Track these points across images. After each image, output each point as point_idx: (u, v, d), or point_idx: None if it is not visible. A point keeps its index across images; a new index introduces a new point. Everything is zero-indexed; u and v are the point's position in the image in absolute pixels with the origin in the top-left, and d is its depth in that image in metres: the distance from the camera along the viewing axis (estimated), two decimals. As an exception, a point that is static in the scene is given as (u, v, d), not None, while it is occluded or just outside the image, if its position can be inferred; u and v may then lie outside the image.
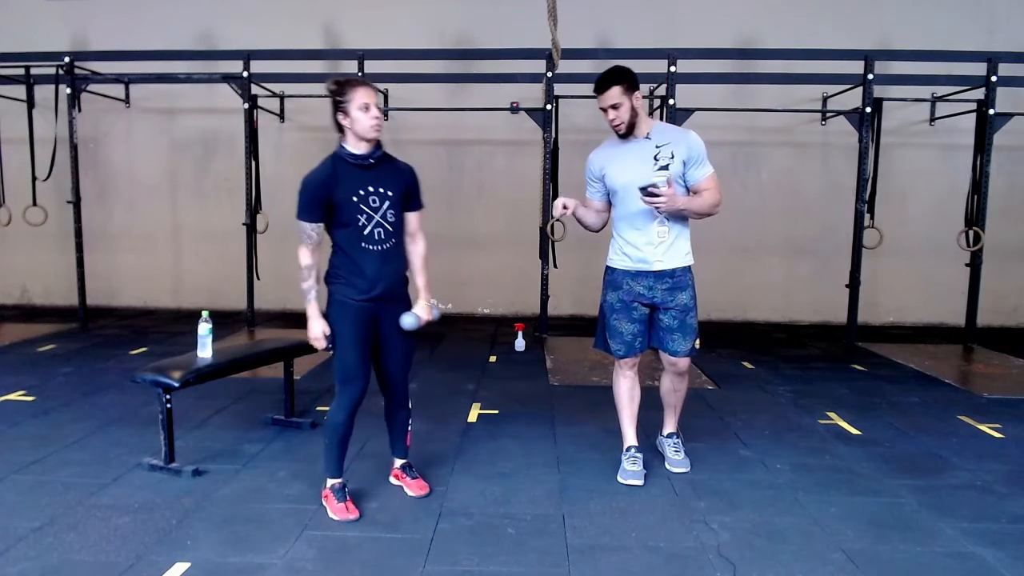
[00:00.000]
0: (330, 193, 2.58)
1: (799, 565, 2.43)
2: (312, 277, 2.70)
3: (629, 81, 2.95)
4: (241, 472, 3.18)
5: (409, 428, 3.03)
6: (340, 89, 2.61)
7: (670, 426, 3.37)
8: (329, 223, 2.65)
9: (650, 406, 3.42)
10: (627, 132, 3.00)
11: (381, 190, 2.65)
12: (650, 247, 3.03)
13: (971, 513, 2.86)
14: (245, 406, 4.17)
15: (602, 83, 2.95)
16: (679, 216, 3.02)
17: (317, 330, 2.71)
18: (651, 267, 3.04)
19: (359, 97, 2.59)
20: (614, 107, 2.95)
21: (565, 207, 3.00)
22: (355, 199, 2.60)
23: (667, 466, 3.27)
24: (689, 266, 3.10)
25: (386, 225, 2.66)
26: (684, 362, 3.16)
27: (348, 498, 2.78)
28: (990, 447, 3.68)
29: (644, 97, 6.88)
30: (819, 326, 7.62)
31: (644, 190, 2.88)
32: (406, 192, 2.74)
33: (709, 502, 2.93)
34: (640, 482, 3.09)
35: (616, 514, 2.81)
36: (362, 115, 2.59)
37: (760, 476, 3.23)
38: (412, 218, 2.81)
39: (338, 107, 2.60)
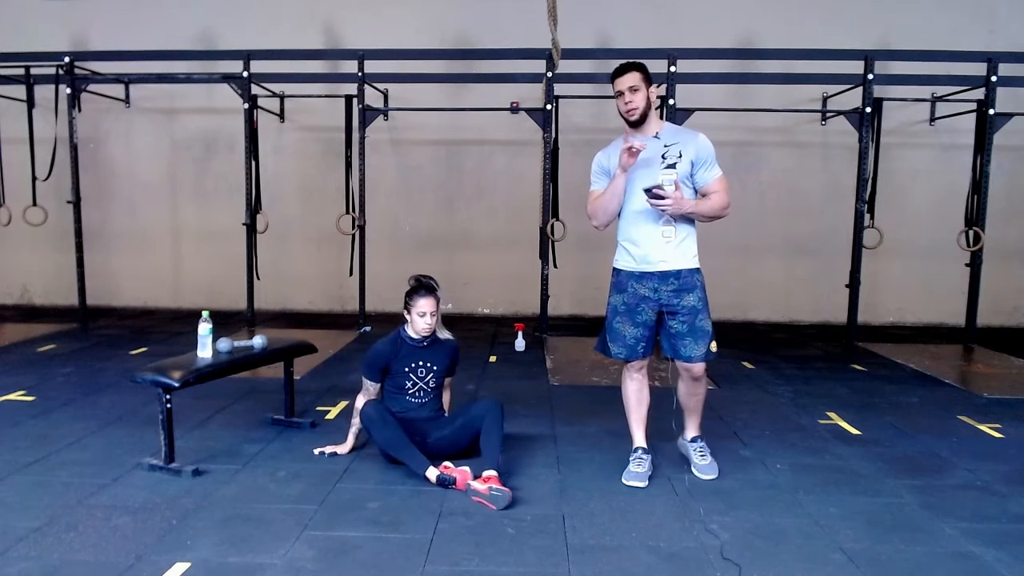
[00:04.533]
0: (389, 362, 3.31)
1: (799, 565, 2.42)
2: (358, 416, 3.31)
3: (647, 73, 2.98)
4: (241, 472, 3.18)
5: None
6: (410, 291, 3.29)
7: (692, 429, 3.28)
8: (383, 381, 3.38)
9: (653, 408, 3.41)
10: (639, 121, 2.99)
11: (429, 364, 3.33)
12: (654, 247, 2.99)
13: (971, 513, 2.86)
14: (245, 406, 4.17)
15: (622, 67, 2.99)
16: (686, 217, 2.99)
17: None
18: (655, 267, 3.01)
19: (419, 306, 3.24)
20: (632, 89, 2.94)
21: (633, 149, 2.89)
22: (406, 369, 3.30)
23: (694, 471, 3.18)
24: (697, 268, 3.05)
25: (427, 389, 3.35)
26: (699, 367, 3.07)
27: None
28: (990, 447, 3.68)
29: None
30: (819, 326, 7.62)
31: (649, 191, 2.86)
32: (451, 364, 3.43)
33: (709, 502, 2.93)
34: (643, 484, 3.07)
35: (616, 514, 2.81)
36: (419, 319, 3.25)
37: (760, 476, 3.23)
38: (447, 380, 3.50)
39: (405, 304, 3.30)
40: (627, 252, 3.08)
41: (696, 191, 3.01)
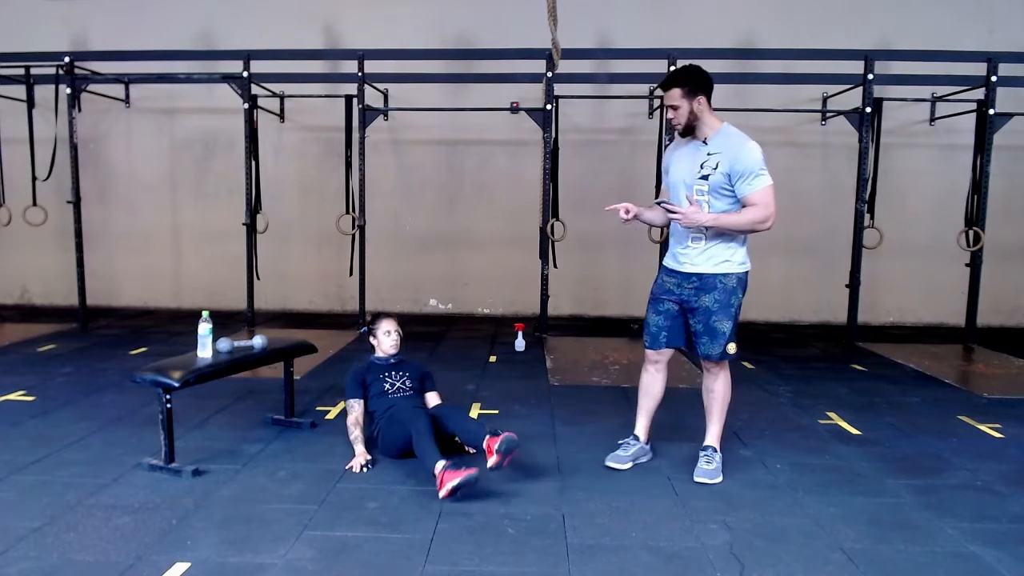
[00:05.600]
0: (364, 376, 3.56)
1: (799, 565, 2.43)
2: (357, 429, 3.40)
3: (692, 84, 2.98)
4: (241, 472, 3.18)
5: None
6: (371, 321, 3.71)
7: (707, 437, 3.26)
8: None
9: (660, 408, 3.41)
10: (684, 133, 3.08)
11: (400, 372, 3.60)
12: (683, 249, 3.11)
13: (971, 513, 2.86)
14: (245, 406, 4.17)
15: (665, 82, 3.06)
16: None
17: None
18: (681, 268, 3.13)
19: (383, 326, 3.62)
20: (672, 107, 3.02)
21: (628, 211, 3.08)
22: (381, 377, 3.55)
23: (694, 474, 3.17)
24: (722, 273, 3.06)
25: (404, 387, 3.55)
26: (715, 364, 3.19)
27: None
28: (990, 447, 3.68)
29: (644, 97, 6.96)
30: (819, 326, 7.62)
31: (660, 203, 3.02)
32: (420, 378, 3.64)
33: (709, 502, 2.93)
34: (622, 466, 3.20)
35: (616, 514, 2.81)
36: (385, 338, 3.61)
37: (760, 476, 3.23)
38: (430, 396, 3.64)
39: (370, 332, 3.68)
40: (669, 249, 3.25)
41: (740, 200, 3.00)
